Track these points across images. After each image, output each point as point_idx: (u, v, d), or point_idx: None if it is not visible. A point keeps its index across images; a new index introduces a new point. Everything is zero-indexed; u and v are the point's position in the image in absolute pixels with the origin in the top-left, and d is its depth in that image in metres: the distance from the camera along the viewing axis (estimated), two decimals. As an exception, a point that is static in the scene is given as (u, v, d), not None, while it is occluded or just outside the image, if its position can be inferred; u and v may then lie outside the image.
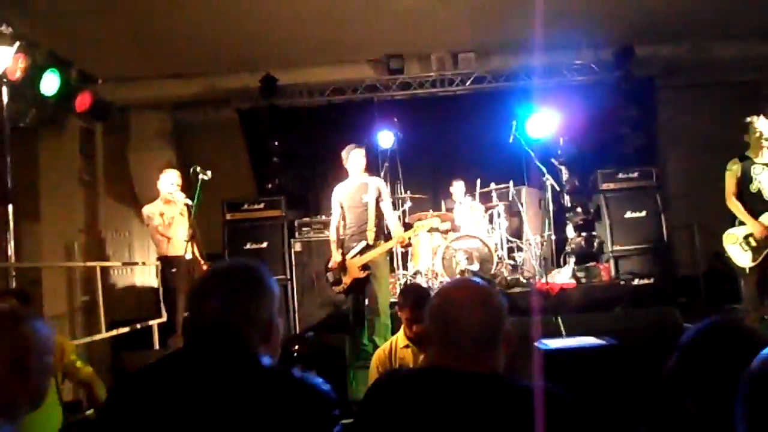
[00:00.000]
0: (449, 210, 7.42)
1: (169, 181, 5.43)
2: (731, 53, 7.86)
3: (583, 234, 7.56)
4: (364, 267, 5.12)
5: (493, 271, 6.63)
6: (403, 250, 7.05)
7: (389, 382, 1.80)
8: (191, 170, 5.35)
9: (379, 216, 5.28)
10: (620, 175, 7.36)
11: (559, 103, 7.37)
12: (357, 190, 5.29)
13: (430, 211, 7.34)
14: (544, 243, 7.26)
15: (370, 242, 5.19)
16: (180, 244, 5.12)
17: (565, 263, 7.29)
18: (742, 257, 4.96)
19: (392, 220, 5.37)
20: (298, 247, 7.22)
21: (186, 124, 8.67)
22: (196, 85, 7.88)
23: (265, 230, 7.22)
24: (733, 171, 5.03)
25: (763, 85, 8.31)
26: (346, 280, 5.17)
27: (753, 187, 4.94)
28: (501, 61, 7.88)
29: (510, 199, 7.45)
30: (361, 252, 5.16)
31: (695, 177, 7.67)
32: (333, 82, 8.09)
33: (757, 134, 4.91)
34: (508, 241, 7.28)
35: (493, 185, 7.39)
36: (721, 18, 7.01)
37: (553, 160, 7.44)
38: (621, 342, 3.79)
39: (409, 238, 5.71)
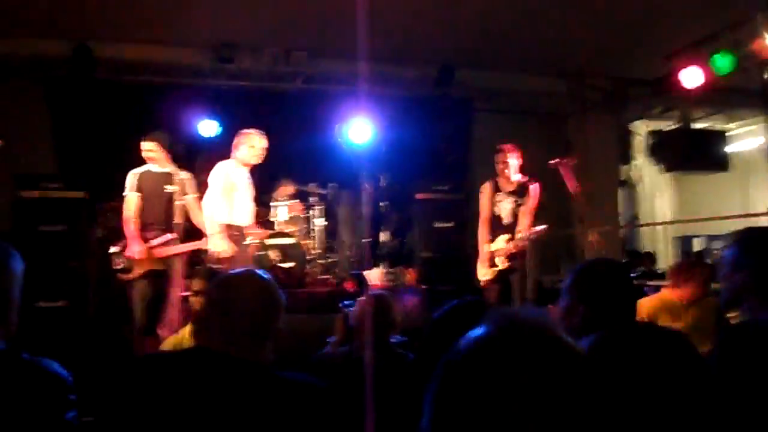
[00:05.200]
0: (267, 206, 7.35)
1: None
2: (538, 86, 8.68)
3: (397, 239, 7.89)
4: (165, 260, 4.92)
5: (305, 270, 6.68)
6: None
7: (154, 361, 1.75)
8: (-27, 138, 4.78)
9: (184, 210, 5.10)
10: (434, 187, 7.75)
11: (384, 111, 7.62)
12: (160, 178, 5.06)
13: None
14: (358, 245, 7.46)
15: (177, 236, 5.01)
16: None
17: (377, 266, 7.55)
18: (481, 271, 5.42)
19: (201, 218, 5.18)
20: (100, 233, 6.71)
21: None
22: (-7, 46, 7.02)
23: (64, 212, 6.56)
24: (486, 194, 5.47)
25: (565, 118, 9.24)
26: (139, 269, 4.88)
27: (495, 210, 5.42)
28: (332, 63, 7.93)
29: (328, 200, 7.57)
30: (165, 244, 4.95)
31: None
32: (157, 62, 7.60)
33: (507, 167, 5.30)
34: (324, 241, 7.39)
35: (312, 186, 7.46)
36: (527, 54, 7.71)
37: (373, 166, 7.68)
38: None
39: None
